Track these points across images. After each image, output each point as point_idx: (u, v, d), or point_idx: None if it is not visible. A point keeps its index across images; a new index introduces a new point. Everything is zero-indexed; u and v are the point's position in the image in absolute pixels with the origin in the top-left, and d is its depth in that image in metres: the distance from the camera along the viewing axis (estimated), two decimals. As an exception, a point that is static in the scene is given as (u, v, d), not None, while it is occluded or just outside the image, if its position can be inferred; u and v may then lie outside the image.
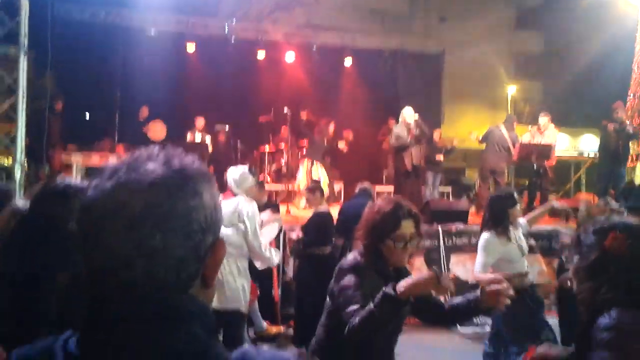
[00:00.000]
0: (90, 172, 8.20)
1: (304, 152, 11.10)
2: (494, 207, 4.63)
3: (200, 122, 10.75)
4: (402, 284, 2.16)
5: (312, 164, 10.74)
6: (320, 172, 10.61)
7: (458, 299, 2.51)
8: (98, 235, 0.89)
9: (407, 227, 2.54)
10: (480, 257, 4.51)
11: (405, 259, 2.63)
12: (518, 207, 4.67)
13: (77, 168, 7.76)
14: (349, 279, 2.49)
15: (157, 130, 10.85)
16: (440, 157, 11.56)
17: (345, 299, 2.43)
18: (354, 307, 2.34)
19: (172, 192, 0.91)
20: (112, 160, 0.99)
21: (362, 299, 2.35)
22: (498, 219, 4.54)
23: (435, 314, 2.69)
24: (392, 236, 2.52)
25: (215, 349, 0.92)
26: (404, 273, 2.62)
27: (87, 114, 11.34)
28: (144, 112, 11.25)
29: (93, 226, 0.89)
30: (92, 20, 11.98)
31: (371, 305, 2.22)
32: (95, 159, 8.20)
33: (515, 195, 4.75)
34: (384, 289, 2.20)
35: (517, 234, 4.69)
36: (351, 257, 2.64)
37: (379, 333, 2.39)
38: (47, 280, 2.07)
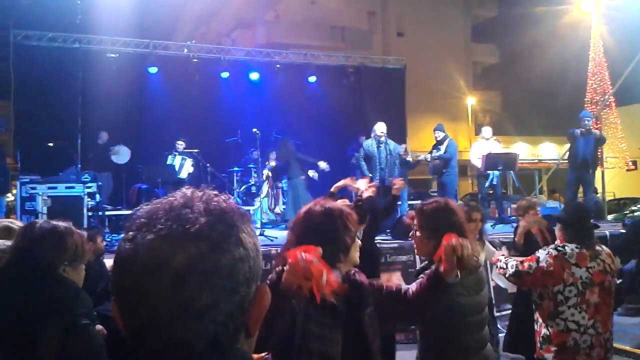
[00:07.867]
0: (54, 202, 7.92)
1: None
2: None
3: (181, 145, 10.70)
4: None
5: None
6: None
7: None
8: (140, 293, 0.84)
9: None
10: None
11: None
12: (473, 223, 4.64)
13: (41, 199, 7.48)
14: None
15: (122, 154, 10.66)
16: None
17: None
18: None
19: (216, 244, 0.86)
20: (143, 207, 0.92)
21: None
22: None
23: None
24: None
25: None
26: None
27: (52, 143, 11.03)
28: (104, 136, 11.09)
29: (134, 283, 0.84)
30: (50, 45, 11.78)
31: None
32: (61, 189, 7.92)
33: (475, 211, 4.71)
34: None
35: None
36: None
37: None
38: (41, 330, 1.95)
